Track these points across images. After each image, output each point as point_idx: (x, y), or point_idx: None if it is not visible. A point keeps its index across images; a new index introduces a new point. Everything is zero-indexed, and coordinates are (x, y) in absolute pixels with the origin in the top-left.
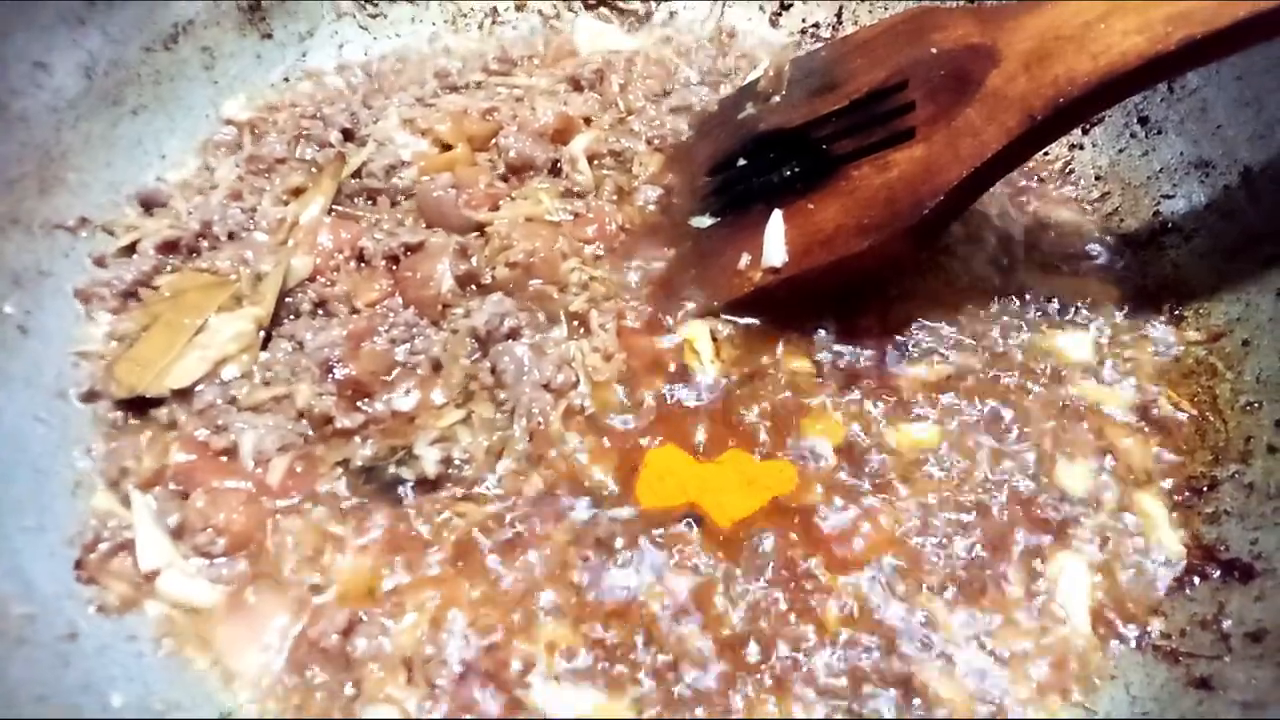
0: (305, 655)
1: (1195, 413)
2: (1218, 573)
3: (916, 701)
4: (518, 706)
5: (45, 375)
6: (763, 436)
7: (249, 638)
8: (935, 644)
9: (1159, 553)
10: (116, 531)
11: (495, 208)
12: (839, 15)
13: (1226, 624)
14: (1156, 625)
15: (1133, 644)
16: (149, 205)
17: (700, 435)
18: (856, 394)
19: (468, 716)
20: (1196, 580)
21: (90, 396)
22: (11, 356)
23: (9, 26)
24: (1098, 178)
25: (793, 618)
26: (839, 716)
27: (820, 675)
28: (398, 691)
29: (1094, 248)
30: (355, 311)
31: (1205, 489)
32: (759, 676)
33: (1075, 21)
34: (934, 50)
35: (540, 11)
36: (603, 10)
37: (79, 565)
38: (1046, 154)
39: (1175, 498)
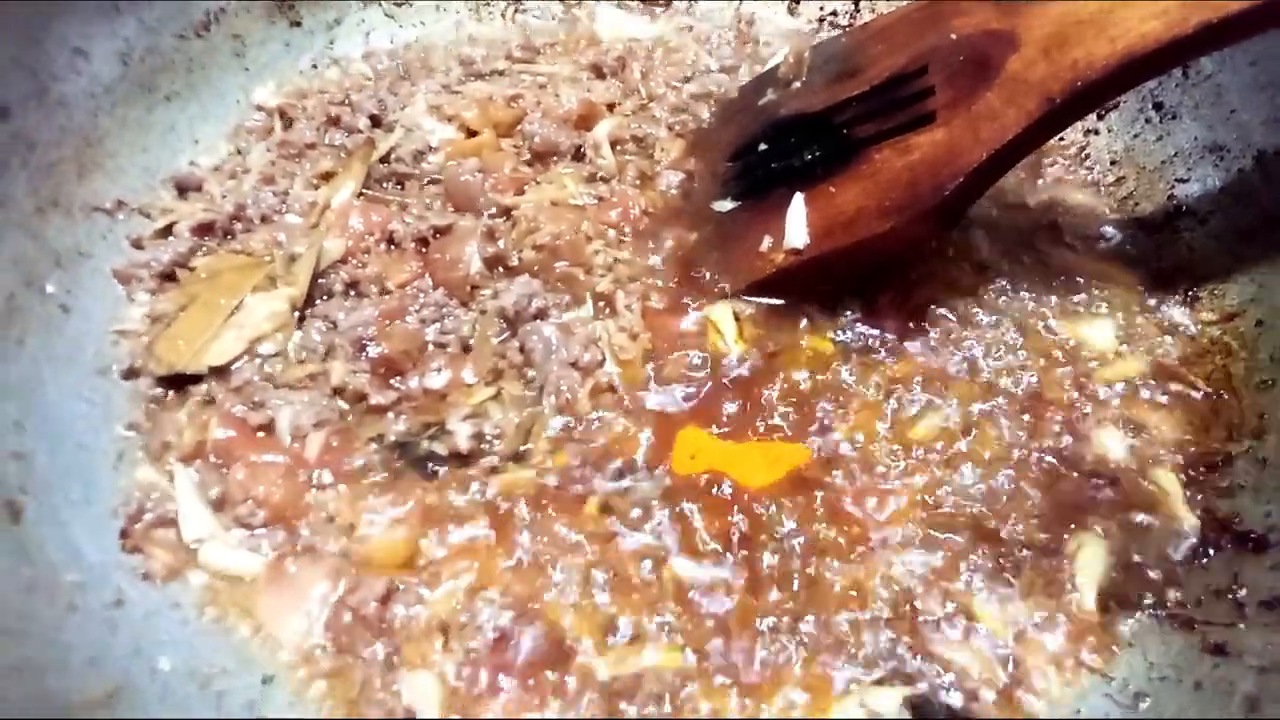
0: (345, 622)
1: (1210, 391)
2: (1232, 544)
3: (936, 670)
4: (553, 668)
5: (86, 353)
6: (786, 413)
7: (290, 606)
8: (955, 614)
9: (1174, 526)
10: (159, 503)
11: (521, 192)
12: (856, 3)
13: (1241, 593)
14: (1172, 594)
15: (1147, 614)
16: (183, 189)
17: (725, 411)
18: (878, 373)
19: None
20: (1211, 552)
21: (131, 374)
22: (54, 335)
23: (50, 13)
24: (1113, 162)
25: (815, 584)
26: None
27: (844, 643)
28: (436, 657)
29: (1110, 230)
30: (386, 292)
31: (1220, 464)
32: (783, 641)
33: (1093, 7)
34: (953, 36)
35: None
36: None
37: (124, 535)
38: (1062, 139)
39: (1190, 472)
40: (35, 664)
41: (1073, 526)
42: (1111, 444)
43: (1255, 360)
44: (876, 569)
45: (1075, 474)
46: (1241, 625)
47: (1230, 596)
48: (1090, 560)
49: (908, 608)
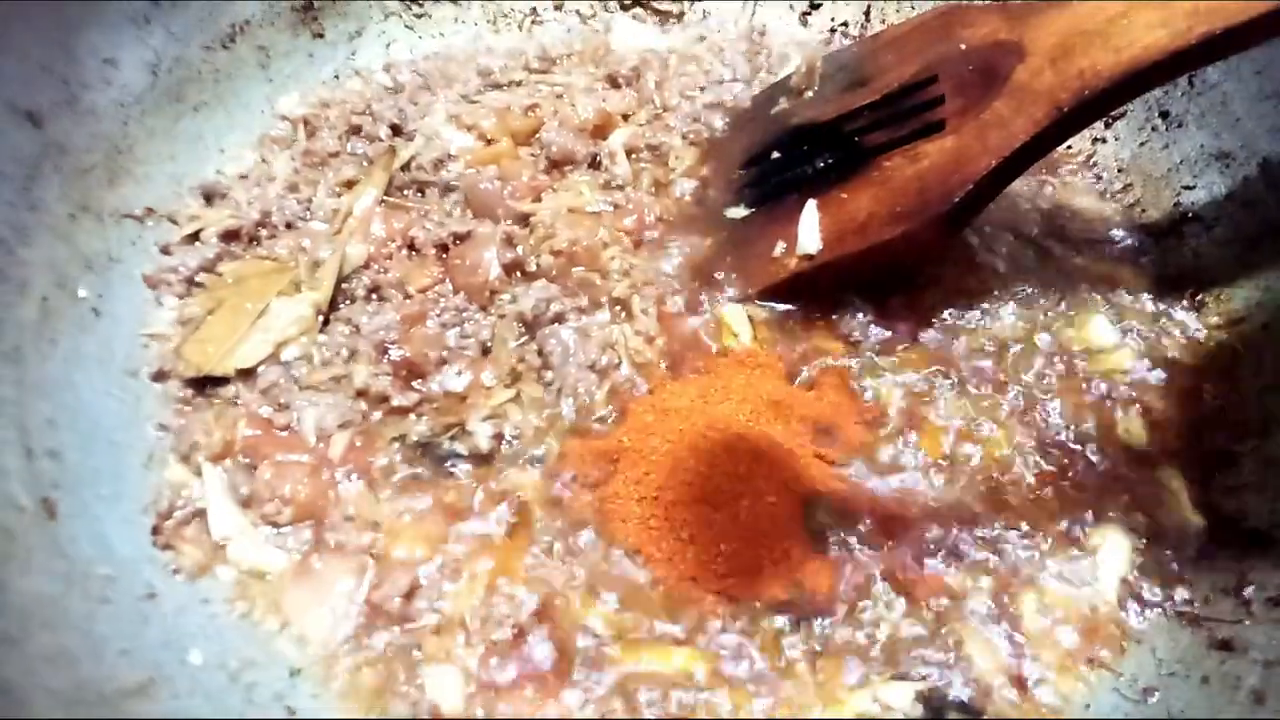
0: (369, 617)
1: (1216, 393)
2: (1239, 543)
3: (950, 664)
4: (572, 663)
5: (117, 355)
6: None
7: (316, 601)
8: (972, 609)
9: (1182, 525)
10: (189, 501)
11: (538, 199)
12: (867, 14)
13: (1248, 590)
14: (1181, 592)
15: (1157, 611)
16: (210, 196)
17: None
18: (891, 374)
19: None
20: (1218, 550)
21: (160, 376)
22: (86, 337)
23: (82, 24)
24: (1120, 170)
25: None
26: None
27: (860, 638)
28: (458, 650)
29: (1117, 236)
30: (408, 297)
31: (1226, 464)
32: (808, 638)
33: (1099, 17)
34: (963, 46)
35: (578, 11)
36: (638, 10)
37: (155, 531)
38: (1070, 147)
39: (1197, 472)
40: (70, 654)
41: (1090, 520)
42: (1121, 443)
43: (1261, 363)
44: (895, 563)
45: (1088, 472)
46: (1248, 621)
47: (1237, 593)
48: (1112, 555)
49: (925, 602)
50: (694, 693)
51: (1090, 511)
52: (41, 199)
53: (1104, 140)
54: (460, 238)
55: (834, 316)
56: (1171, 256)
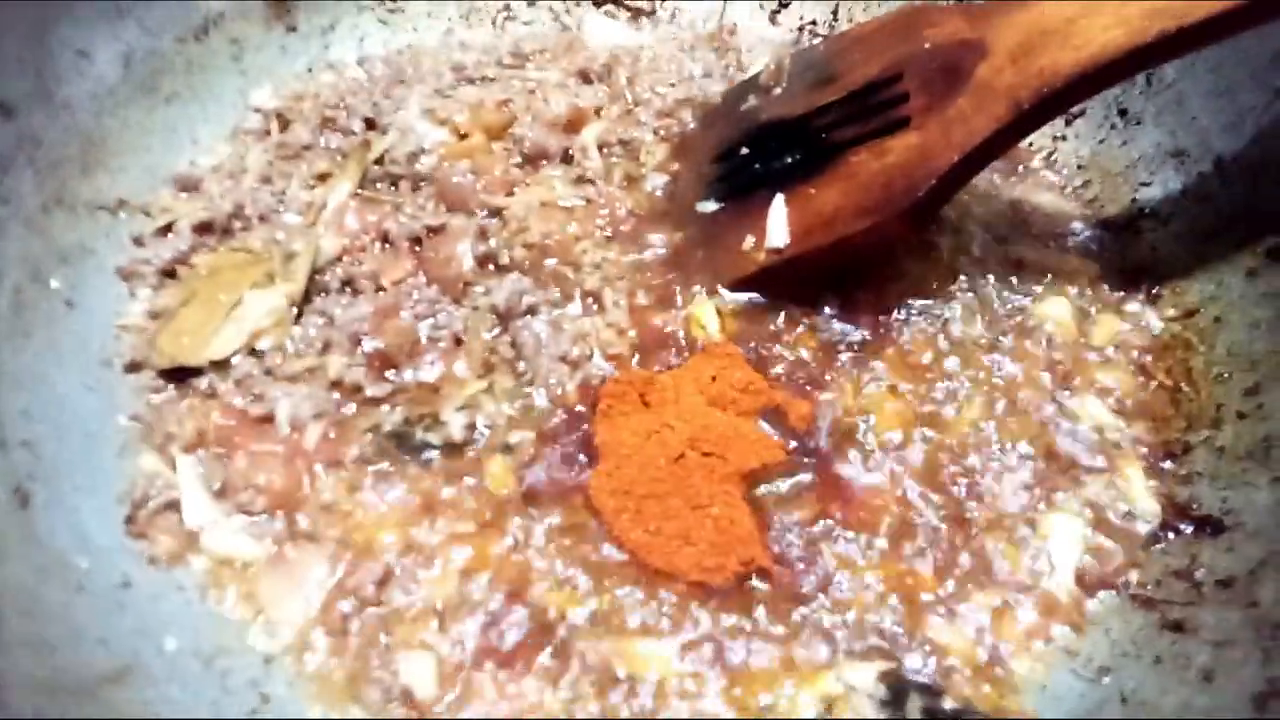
0: (343, 605)
1: (1170, 383)
2: (1191, 528)
3: (914, 646)
4: (545, 651)
5: (91, 346)
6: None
7: (289, 589)
8: (934, 593)
9: (1136, 511)
10: (163, 490)
11: (511, 193)
12: (835, 13)
13: (1199, 574)
14: (1134, 576)
15: (1112, 594)
16: (183, 188)
17: None
18: (856, 365)
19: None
20: (1171, 535)
21: (133, 367)
22: (60, 329)
23: (55, 17)
24: (1080, 166)
25: (802, 566)
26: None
27: (825, 622)
28: (431, 638)
29: (1076, 230)
30: (381, 289)
31: (1179, 453)
32: (769, 622)
33: (1059, 17)
34: (927, 45)
35: (550, 8)
36: (610, 6)
37: (129, 521)
38: (1031, 143)
39: (1151, 460)
40: (47, 642)
41: (1047, 505)
42: (1078, 431)
43: (1213, 354)
44: (861, 551)
45: (1046, 458)
46: (1198, 603)
47: (1189, 577)
48: (1067, 540)
49: (887, 586)
50: (664, 678)
51: (1048, 496)
52: (14, 191)
53: (1064, 138)
54: (434, 231)
55: (801, 309)
56: (1129, 251)
